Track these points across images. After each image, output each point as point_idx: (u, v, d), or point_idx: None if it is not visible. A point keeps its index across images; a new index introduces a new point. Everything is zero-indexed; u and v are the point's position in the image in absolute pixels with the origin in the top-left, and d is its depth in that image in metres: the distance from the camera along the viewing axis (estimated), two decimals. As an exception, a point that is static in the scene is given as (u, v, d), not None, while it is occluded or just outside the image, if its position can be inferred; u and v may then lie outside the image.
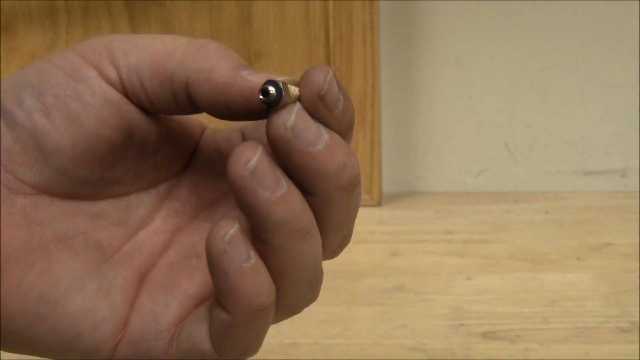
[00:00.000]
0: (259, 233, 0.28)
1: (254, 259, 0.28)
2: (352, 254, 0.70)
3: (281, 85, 0.28)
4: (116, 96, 0.30)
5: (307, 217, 0.29)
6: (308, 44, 0.75)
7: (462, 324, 0.61)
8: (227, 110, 0.30)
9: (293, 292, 0.30)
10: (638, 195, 0.79)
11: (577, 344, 0.58)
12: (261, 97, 0.28)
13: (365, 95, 0.75)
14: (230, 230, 0.28)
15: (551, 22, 0.75)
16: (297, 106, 0.28)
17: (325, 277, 0.32)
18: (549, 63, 0.77)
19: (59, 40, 0.75)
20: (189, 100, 0.30)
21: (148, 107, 0.31)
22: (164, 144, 0.33)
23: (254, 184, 0.27)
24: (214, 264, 0.28)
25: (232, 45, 0.75)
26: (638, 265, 0.68)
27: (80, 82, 0.30)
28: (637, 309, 0.62)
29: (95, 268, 0.31)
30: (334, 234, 0.31)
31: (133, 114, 0.31)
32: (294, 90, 0.28)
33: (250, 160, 0.27)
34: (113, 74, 0.30)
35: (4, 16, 0.75)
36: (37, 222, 0.30)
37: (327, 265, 0.71)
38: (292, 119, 0.28)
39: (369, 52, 0.73)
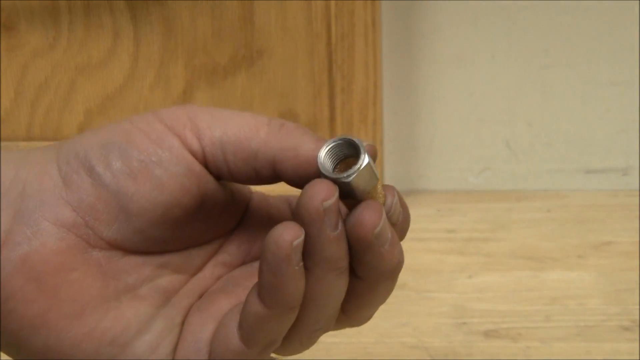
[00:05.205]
0: (307, 260, 0.31)
1: (300, 265, 0.31)
2: (353, 252, 0.70)
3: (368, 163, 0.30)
4: (197, 167, 0.32)
5: (346, 261, 0.32)
6: (310, 43, 0.75)
7: (463, 322, 0.61)
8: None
9: (310, 321, 0.33)
10: (639, 193, 0.79)
11: (579, 342, 0.58)
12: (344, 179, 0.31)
13: (367, 93, 0.75)
14: (299, 238, 0.30)
15: (552, 21, 0.75)
16: (384, 214, 0.31)
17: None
18: (550, 61, 0.77)
19: (61, 38, 0.75)
20: (273, 174, 0.32)
21: (226, 177, 0.33)
22: (226, 207, 0.35)
23: (323, 219, 0.30)
24: (273, 263, 0.30)
25: (233, 44, 0.76)
26: (639, 263, 0.68)
27: (165, 149, 0.32)
28: (638, 307, 0.62)
29: (159, 310, 0.33)
30: (367, 310, 0.35)
31: (210, 183, 0.33)
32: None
33: (328, 200, 0.30)
34: (196, 145, 0.32)
35: (5, 14, 0.75)
36: (110, 275, 0.32)
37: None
38: (380, 227, 0.31)
39: (371, 51, 0.73)
